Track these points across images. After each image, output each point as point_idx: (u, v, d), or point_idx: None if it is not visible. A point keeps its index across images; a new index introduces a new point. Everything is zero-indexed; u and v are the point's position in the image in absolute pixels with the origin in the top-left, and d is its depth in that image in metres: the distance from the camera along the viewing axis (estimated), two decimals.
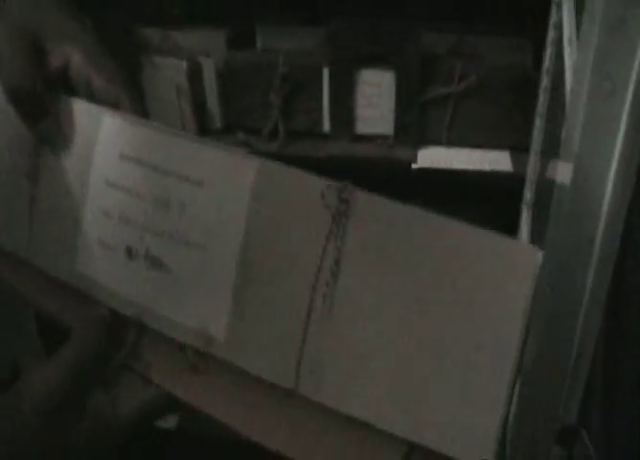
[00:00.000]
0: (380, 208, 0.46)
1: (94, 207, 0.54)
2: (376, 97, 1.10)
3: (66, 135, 0.55)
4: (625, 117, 0.47)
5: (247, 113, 1.16)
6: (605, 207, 0.51)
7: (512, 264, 0.44)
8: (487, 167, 1.09)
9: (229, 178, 0.50)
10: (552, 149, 0.91)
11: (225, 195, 0.50)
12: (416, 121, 1.10)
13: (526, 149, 1.08)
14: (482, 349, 0.45)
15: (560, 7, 0.83)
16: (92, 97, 0.54)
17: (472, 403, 0.46)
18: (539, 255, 0.43)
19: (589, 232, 0.52)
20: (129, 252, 0.54)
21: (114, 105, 0.53)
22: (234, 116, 1.17)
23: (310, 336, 0.49)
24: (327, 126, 1.14)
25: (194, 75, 1.14)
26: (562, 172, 0.56)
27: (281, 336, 0.50)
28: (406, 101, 1.08)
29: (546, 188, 0.96)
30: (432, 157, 1.12)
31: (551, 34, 0.90)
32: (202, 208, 0.51)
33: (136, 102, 0.54)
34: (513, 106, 1.06)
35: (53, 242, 0.57)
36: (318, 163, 1.09)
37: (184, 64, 1.13)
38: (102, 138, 0.54)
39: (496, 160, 1.10)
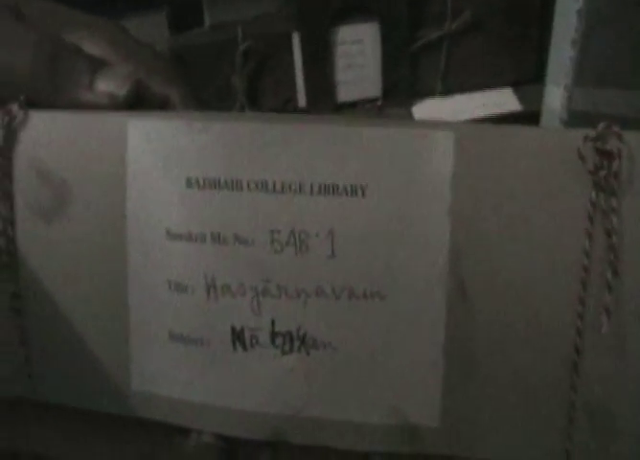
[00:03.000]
0: None
1: (151, 282, 0.35)
2: (358, 56, 0.95)
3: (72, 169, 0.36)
4: None
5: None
6: None
7: None
8: (494, 111, 0.97)
9: (412, 168, 0.32)
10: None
11: (408, 199, 0.32)
12: (407, 74, 0.96)
13: (530, 82, 0.97)
14: None
15: None
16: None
17: None
18: None
19: None
20: (238, 337, 0.34)
21: (161, 106, 0.38)
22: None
23: (586, 376, 0.33)
24: (303, 100, 0.98)
25: None
26: None
27: (539, 388, 0.33)
28: (394, 54, 0.94)
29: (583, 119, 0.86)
30: (430, 111, 0.99)
31: None
32: (369, 232, 0.32)
33: (189, 96, 0.38)
34: (514, 37, 0.95)
35: (75, 365, 0.38)
36: None
37: None
38: (138, 163, 0.35)
39: (502, 101, 0.98)
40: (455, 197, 0.32)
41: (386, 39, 0.94)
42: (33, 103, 0.37)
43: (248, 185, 0.33)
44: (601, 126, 0.31)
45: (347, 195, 0.32)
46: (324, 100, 0.98)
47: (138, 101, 0.37)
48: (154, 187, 0.34)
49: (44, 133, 0.36)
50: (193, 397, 0.36)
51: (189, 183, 0.34)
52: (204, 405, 0.35)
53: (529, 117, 0.97)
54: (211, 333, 0.35)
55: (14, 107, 0.36)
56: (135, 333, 0.36)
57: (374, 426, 0.34)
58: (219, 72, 0.95)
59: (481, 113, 0.98)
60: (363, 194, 0.32)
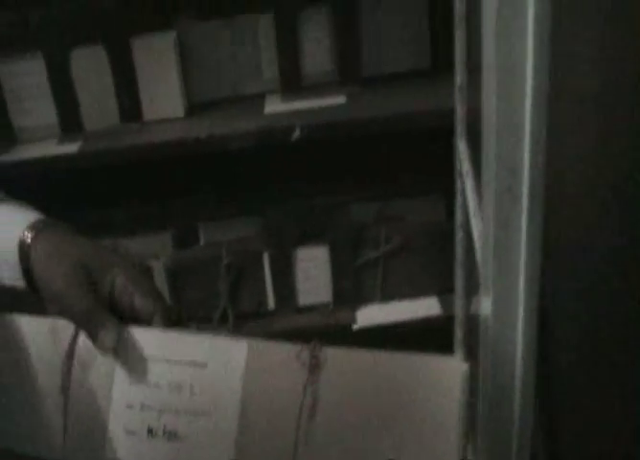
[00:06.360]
0: (344, 357, 0.58)
1: (119, 403, 0.64)
2: (313, 270, 1.25)
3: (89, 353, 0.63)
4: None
5: (198, 304, 1.27)
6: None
7: (440, 378, 0.55)
8: (422, 314, 1.24)
9: (227, 357, 0.61)
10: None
11: (225, 371, 0.61)
12: (351, 285, 1.25)
13: (451, 291, 1.23)
14: None
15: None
16: (133, 312, 0.62)
17: None
18: (466, 367, 0.54)
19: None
20: (150, 432, 0.63)
21: (149, 318, 0.62)
22: (185, 309, 1.28)
23: None
24: (272, 303, 1.27)
25: None
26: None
27: None
28: (341, 269, 1.24)
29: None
30: (370, 315, 1.27)
31: (458, 185, 1.05)
32: (208, 385, 0.61)
33: (167, 313, 0.63)
34: (434, 257, 1.23)
35: (84, 440, 0.66)
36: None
37: None
38: (124, 348, 0.62)
39: (427, 306, 1.25)
40: (244, 391, 0.60)
41: (334, 258, 1.23)
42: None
43: (160, 360, 0.62)
44: (313, 342, 0.59)
45: (198, 366, 0.61)
46: (288, 303, 1.26)
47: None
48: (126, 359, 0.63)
49: None
50: None
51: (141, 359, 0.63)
52: None
53: (449, 320, 1.23)
54: (140, 428, 0.64)
55: None
56: (109, 431, 0.65)
57: None
58: (208, 280, 1.26)
59: (412, 316, 1.25)
60: (206, 367, 0.61)
